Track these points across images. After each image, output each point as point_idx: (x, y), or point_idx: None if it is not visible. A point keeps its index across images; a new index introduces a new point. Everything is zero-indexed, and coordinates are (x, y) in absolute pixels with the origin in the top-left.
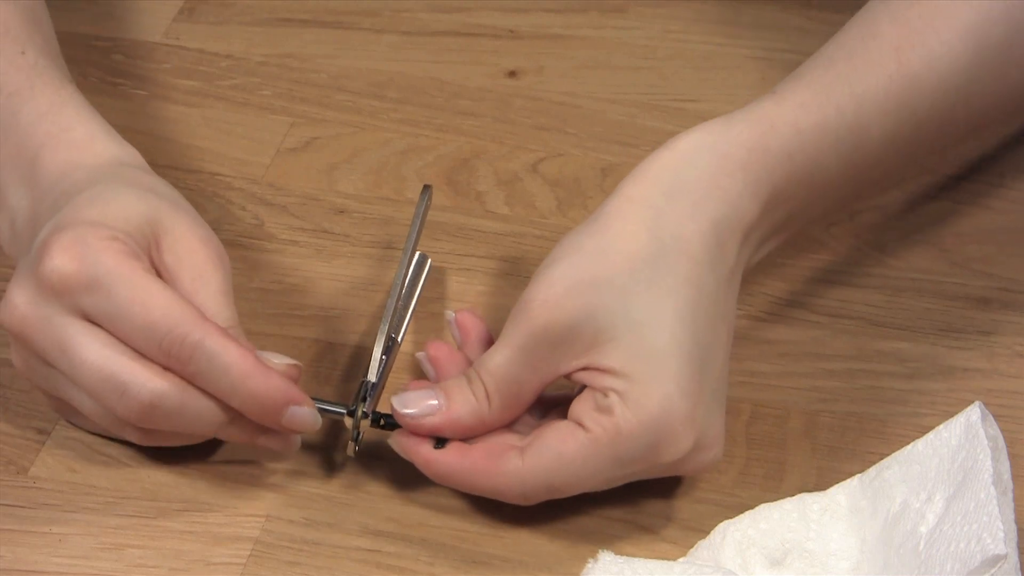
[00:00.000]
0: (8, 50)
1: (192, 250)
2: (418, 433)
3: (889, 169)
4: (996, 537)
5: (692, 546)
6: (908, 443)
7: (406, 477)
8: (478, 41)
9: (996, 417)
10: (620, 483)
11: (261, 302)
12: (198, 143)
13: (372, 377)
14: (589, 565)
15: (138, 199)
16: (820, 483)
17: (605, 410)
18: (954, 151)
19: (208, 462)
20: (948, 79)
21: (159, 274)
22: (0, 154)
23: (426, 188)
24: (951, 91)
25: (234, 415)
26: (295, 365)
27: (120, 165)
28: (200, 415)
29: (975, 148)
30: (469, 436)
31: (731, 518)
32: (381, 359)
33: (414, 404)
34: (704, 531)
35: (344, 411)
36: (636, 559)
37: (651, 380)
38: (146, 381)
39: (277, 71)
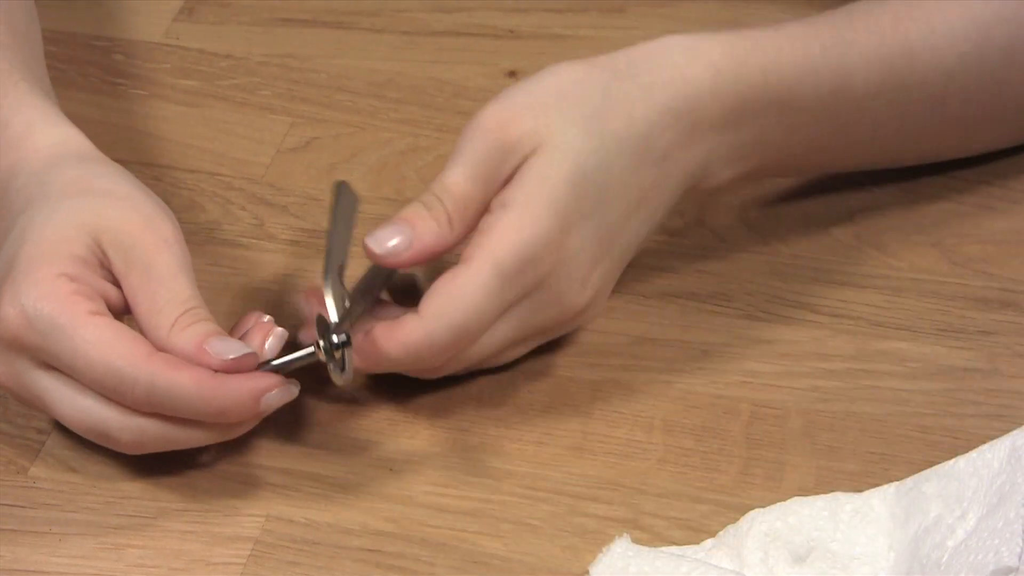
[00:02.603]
0: None
1: (134, 242)
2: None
3: (877, 128)
4: (1013, 551)
5: (692, 545)
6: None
7: (406, 477)
8: (478, 41)
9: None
10: (530, 331)
11: (261, 302)
12: (198, 143)
13: (333, 318)
14: (604, 551)
15: (73, 211)
16: (820, 483)
17: (485, 231)
18: (947, 147)
19: (208, 462)
20: (943, 60)
21: (113, 277)
22: None
23: (341, 184)
24: (944, 73)
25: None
26: (250, 354)
27: (57, 160)
28: (189, 436)
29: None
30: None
31: (731, 518)
32: (342, 296)
33: (386, 240)
34: (704, 531)
35: (312, 350)
36: (649, 549)
37: (531, 202)
38: (124, 424)
39: (277, 71)
